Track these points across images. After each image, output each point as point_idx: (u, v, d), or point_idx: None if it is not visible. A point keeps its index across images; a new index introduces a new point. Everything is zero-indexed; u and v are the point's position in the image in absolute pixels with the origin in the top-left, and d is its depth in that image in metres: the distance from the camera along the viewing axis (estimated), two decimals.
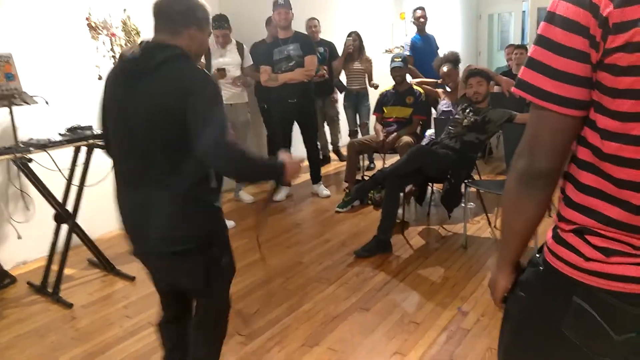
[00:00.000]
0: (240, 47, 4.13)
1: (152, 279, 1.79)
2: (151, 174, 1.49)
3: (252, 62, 4.25)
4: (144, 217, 1.52)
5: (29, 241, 3.20)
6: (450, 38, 8.54)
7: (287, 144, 4.37)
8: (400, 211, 3.61)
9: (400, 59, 4.29)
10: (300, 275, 2.98)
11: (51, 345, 2.38)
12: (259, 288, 2.84)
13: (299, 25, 5.04)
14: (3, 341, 2.43)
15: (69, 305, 2.72)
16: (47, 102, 2.70)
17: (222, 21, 3.93)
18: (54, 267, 2.89)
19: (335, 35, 5.62)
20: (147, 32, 3.31)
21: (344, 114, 5.44)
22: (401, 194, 3.46)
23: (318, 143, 4.73)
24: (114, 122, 1.56)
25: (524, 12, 9.76)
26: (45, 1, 3.23)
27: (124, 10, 3.58)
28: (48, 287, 2.88)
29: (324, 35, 5.25)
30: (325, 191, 4.47)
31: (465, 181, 3.30)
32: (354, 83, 5.22)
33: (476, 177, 3.85)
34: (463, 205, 3.35)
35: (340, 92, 5.44)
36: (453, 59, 4.38)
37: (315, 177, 4.52)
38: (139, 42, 1.58)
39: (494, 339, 2.18)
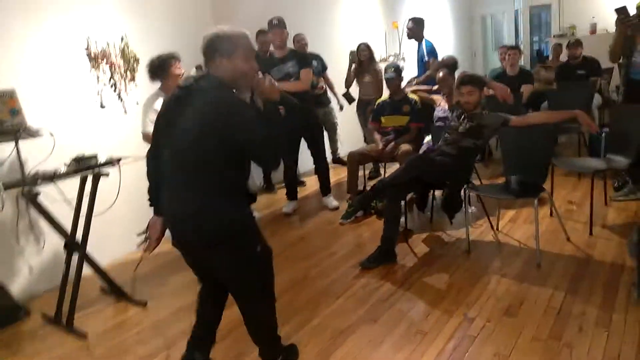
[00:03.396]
0: None
1: (190, 267, 2.07)
2: (190, 178, 1.81)
3: None
4: (184, 212, 1.83)
5: (41, 272, 3.27)
6: (444, 41, 8.62)
7: (294, 157, 4.46)
8: (402, 219, 3.67)
9: (393, 70, 4.36)
10: (307, 290, 3.03)
11: None
12: None
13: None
14: None
15: (84, 335, 2.78)
16: (51, 134, 2.78)
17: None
18: (67, 297, 2.96)
19: (331, 46, 5.72)
20: (145, 57, 3.43)
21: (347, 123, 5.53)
22: (403, 203, 3.51)
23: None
24: (166, 136, 1.87)
25: (516, 11, 9.84)
26: (46, 35, 3.32)
27: (122, 38, 3.67)
28: (62, 317, 2.93)
29: (320, 47, 5.36)
30: (334, 202, 4.53)
31: (465, 186, 3.34)
32: (366, 93, 5.33)
33: (476, 181, 3.91)
34: (465, 209, 3.40)
35: (349, 103, 5.56)
36: (449, 64, 4.44)
37: (325, 189, 4.59)
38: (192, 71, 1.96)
39: (501, 345, 2.24)
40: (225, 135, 1.72)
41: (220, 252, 1.85)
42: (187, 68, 4.01)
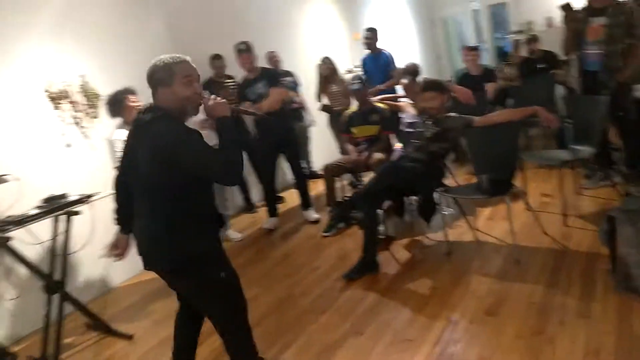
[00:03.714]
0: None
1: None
2: (148, 205, 1.87)
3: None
4: (146, 239, 1.91)
5: (23, 315, 3.22)
6: (407, 47, 8.79)
7: (272, 173, 4.50)
8: (383, 228, 3.71)
9: (358, 81, 4.43)
10: (293, 308, 3.04)
11: None
12: (255, 327, 2.82)
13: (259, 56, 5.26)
14: None
15: None
16: (18, 179, 2.76)
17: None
18: (52, 337, 2.91)
19: (299, 61, 5.80)
20: (105, 92, 3.44)
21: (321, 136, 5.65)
22: (380, 211, 3.56)
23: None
24: (128, 167, 1.95)
25: (475, 10, 10.06)
26: (5, 81, 3.30)
27: (81, 76, 3.67)
28: (48, 358, 2.89)
29: (290, 63, 5.45)
30: (315, 215, 4.56)
31: (437, 190, 3.40)
32: (335, 104, 5.45)
33: (452, 181, 3.97)
34: (441, 212, 3.46)
35: (330, 112, 5.71)
36: (411, 71, 4.53)
37: (306, 203, 4.62)
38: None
39: (485, 345, 2.28)
40: (173, 165, 1.75)
41: (183, 279, 1.90)
42: (148, 100, 4.04)
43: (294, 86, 5.55)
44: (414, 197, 3.71)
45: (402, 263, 3.38)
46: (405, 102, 4.61)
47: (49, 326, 2.94)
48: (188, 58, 1.90)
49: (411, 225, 3.97)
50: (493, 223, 3.72)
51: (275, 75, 4.42)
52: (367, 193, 3.38)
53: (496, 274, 2.97)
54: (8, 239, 2.74)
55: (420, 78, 4.51)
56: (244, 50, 4.21)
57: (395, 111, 4.56)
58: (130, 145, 1.95)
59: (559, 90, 5.41)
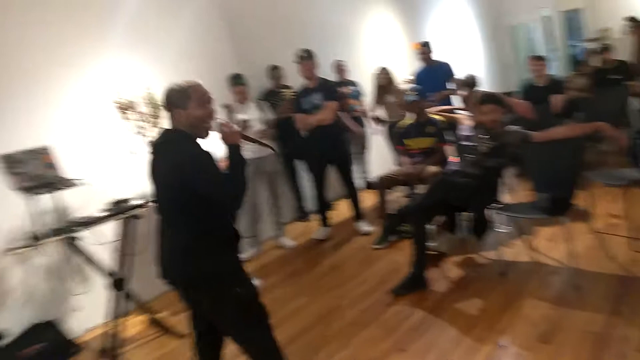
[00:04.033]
0: (259, 102, 4.36)
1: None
2: (169, 223, 1.99)
3: (271, 117, 4.45)
4: (167, 254, 2.00)
5: (90, 310, 3.46)
6: (472, 56, 8.56)
7: (322, 184, 4.55)
8: (434, 243, 3.64)
9: (415, 93, 4.38)
10: (339, 320, 3.06)
11: None
12: (301, 336, 2.95)
13: (328, 66, 5.41)
14: None
15: None
16: (84, 183, 3.00)
17: (237, 79, 4.23)
18: (115, 332, 3.12)
19: (358, 71, 5.84)
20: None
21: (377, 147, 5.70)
22: (432, 226, 3.49)
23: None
24: (153, 185, 2.05)
25: (547, 17, 9.60)
26: (78, 92, 3.59)
27: (147, 87, 3.92)
28: (109, 352, 3.10)
29: (350, 72, 5.62)
30: (366, 227, 4.55)
31: (491, 206, 3.29)
32: (392, 116, 5.41)
33: (511, 197, 3.82)
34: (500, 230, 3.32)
35: (380, 125, 5.70)
36: (469, 83, 4.42)
37: (357, 215, 4.62)
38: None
39: None
40: (185, 184, 1.85)
41: (198, 294, 1.96)
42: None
43: (357, 95, 5.60)
44: (467, 214, 3.60)
45: (452, 281, 3.30)
46: (462, 114, 4.50)
47: (112, 321, 3.17)
48: (200, 81, 2.02)
49: (465, 242, 3.86)
50: (553, 244, 3.54)
51: (332, 88, 4.45)
52: (417, 207, 3.34)
53: (553, 298, 2.83)
54: (77, 238, 2.99)
55: (478, 90, 4.38)
56: (306, 58, 4.26)
57: (452, 124, 4.47)
58: (151, 166, 2.05)
59: (634, 104, 5.06)
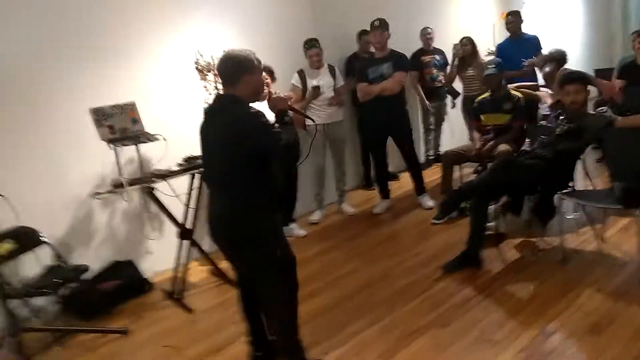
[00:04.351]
0: (332, 70, 4.38)
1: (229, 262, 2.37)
2: (221, 186, 2.09)
3: (343, 82, 4.47)
4: (217, 215, 2.12)
5: (162, 254, 3.80)
6: (573, 27, 7.87)
7: (382, 157, 4.55)
8: (494, 224, 3.55)
9: (494, 65, 4.17)
10: (386, 288, 3.12)
11: (177, 343, 2.82)
12: (348, 299, 3.06)
13: (415, 34, 5.33)
14: (141, 338, 2.97)
15: (191, 310, 3.22)
16: (164, 139, 3.24)
17: (313, 42, 4.26)
18: (181, 277, 3.43)
19: (445, 41, 5.65)
20: None
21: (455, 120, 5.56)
22: (493, 206, 3.40)
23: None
24: (204, 151, 2.17)
25: None
26: (160, 53, 3.82)
27: (224, 51, 4.07)
28: (175, 293, 3.42)
29: (437, 41, 5.47)
30: (429, 202, 4.51)
31: (560, 192, 3.12)
32: (471, 89, 5.21)
33: (585, 183, 3.60)
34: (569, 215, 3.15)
35: (454, 99, 5.56)
36: (556, 58, 4.12)
37: (419, 189, 4.59)
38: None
39: None
40: (245, 142, 1.94)
41: (243, 252, 2.09)
42: (286, 75, 4.32)
43: (441, 65, 5.45)
44: (534, 196, 3.45)
45: (508, 263, 3.22)
46: (544, 92, 4.24)
47: (179, 267, 3.48)
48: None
49: (528, 225, 3.71)
50: (624, 236, 3.31)
51: (403, 58, 4.37)
52: (480, 185, 3.25)
53: (613, 291, 2.69)
54: (153, 189, 3.29)
55: (565, 67, 4.08)
56: (378, 27, 4.20)
57: (533, 101, 4.23)
58: (202, 129, 2.15)
59: None
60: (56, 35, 3.30)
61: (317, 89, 4.13)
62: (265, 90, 3.82)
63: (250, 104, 2.05)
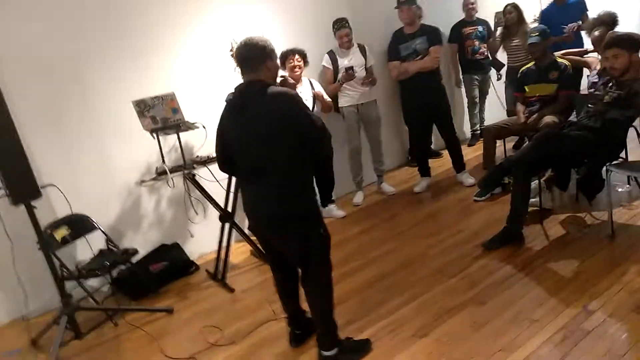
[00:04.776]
0: (362, 49, 4.31)
1: (265, 250, 2.45)
2: (267, 170, 2.08)
3: (373, 62, 4.38)
4: (265, 201, 2.12)
5: (206, 236, 3.95)
6: None
7: (426, 135, 4.45)
8: (538, 199, 3.42)
9: (537, 33, 3.95)
10: (425, 266, 3.10)
11: (219, 321, 2.94)
12: (385, 278, 3.06)
13: (457, 5, 5.21)
14: (185, 316, 3.12)
15: (232, 290, 3.34)
16: (204, 127, 3.34)
17: (343, 21, 4.19)
18: (223, 259, 3.55)
19: (487, 10, 5.41)
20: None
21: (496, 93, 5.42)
22: (537, 181, 3.27)
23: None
24: (235, 141, 2.14)
25: None
26: (195, 43, 3.88)
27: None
28: (218, 274, 3.55)
29: (482, 11, 5.28)
30: (470, 179, 4.40)
31: (608, 164, 2.96)
32: (516, 60, 4.92)
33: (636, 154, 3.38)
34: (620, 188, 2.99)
35: (498, 71, 5.36)
36: (605, 21, 3.86)
37: (458, 166, 4.49)
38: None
39: (616, 342, 2.04)
40: (290, 122, 1.99)
41: (294, 233, 2.12)
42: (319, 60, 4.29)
43: (483, 35, 5.23)
44: (581, 169, 3.28)
45: (552, 239, 3.11)
46: (594, 57, 3.98)
47: (221, 249, 3.60)
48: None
49: (575, 200, 3.54)
50: None
51: (436, 32, 4.23)
52: (521, 159, 3.13)
53: None
54: (194, 174, 3.41)
55: (616, 30, 3.80)
56: (404, 3, 4.10)
57: (580, 68, 3.99)
58: (232, 117, 2.15)
59: None
60: (101, 36, 3.47)
61: (350, 70, 4.09)
62: (296, 73, 3.86)
63: None
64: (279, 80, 2.17)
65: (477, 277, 2.83)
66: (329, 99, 4.12)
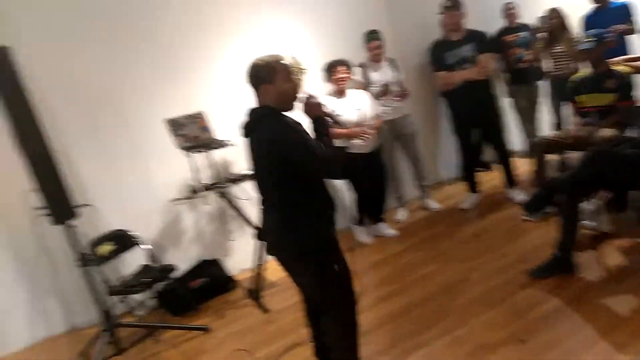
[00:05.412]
0: (392, 62, 4.16)
1: None
2: (268, 198, 2.03)
3: (404, 76, 4.21)
4: (268, 228, 2.06)
5: (245, 253, 3.96)
6: None
7: (475, 146, 4.25)
8: (594, 223, 3.13)
9: (593, 38, 3.63)
10: (463, 295, 2.92)
11: (251, 343, 2.92)
12: (420, 305, 2.92)
13: (496, 10, 4.96)
14: (221, 335, 3.12)
15: (267, 310, 3.31)
16: (235, 144, 3.34)
17: (374, 33, 4.07)
18: (260, 276, 3.53)
19: (529, 15, 5.09)
20: (316, 65, 3.75)
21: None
22: (592, 203, 3.00)
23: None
24: (252, 164, 2.10)
25: None
26: (225, 61, 3.88)
27: (290, 55, 4.06)
28: (254, 292, 3.54)
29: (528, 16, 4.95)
30: (520, 196, 4.13)
31: None
32: (560, 68, 4.61)
33: None
34: None
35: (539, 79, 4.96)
36: None
37: (509, 181, 4.23)
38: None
39: None
40: (281, 156, 1.88)
41: (298, 267, 2.03)
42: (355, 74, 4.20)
43: (527, 42, 4.91)
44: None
45: (607, 269, 2.83)
46: None
47: (257, 266, 3.59)
48: (285, 54, 1.99)
49: (637, 224, 3.21)
50: None
51: (484, 37, 4.01)
52: (570, 179, 2.88)
53: None
54: (228, 192, 3.43)
55: None
56: (449, 8, 3.89)
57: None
58: (247, 144, 2.08)
59: None
60: (135, 59, 3.57)
61: (386, 86, 3.94)
62: (341, 85, 3.76)
63: (287, 113, 1.99)
64: (303, 97, 2.03)
65: (520, 310, 2.62)
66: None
